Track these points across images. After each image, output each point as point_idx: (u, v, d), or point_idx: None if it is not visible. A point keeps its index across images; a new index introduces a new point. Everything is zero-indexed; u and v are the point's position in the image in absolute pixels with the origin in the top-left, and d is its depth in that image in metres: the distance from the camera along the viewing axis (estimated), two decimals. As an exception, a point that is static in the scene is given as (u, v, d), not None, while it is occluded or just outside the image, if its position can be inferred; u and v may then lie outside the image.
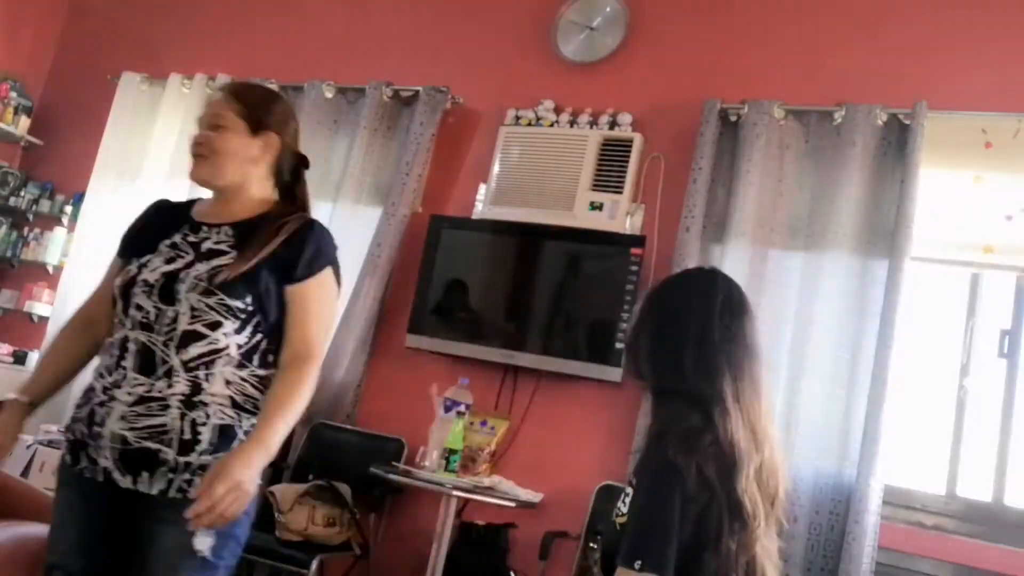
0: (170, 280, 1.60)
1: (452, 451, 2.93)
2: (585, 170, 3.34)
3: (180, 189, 3.49)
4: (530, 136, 3.49)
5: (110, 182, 4.20)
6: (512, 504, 2.89)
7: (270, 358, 1.65)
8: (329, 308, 1.74)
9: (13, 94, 4.53)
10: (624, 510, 1.48)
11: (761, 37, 3.33)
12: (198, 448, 1.54)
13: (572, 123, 3.46)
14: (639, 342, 1.60)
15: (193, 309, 1.57)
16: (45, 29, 4.81)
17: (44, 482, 3.00)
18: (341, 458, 3.34)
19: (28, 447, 3.40)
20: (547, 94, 3.54)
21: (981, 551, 2.73)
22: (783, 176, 3.09)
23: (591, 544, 2.92)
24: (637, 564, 1.36)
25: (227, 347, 1.59)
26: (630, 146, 3.32)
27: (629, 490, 1.49)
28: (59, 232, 4.41)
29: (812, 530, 2.80)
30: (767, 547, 1.51)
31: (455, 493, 2.83)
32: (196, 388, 1.56)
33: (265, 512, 2.92)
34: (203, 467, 1.53)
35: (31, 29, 4.75)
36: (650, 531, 1.40)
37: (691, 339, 1.54)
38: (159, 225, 1.72)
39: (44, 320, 4.27)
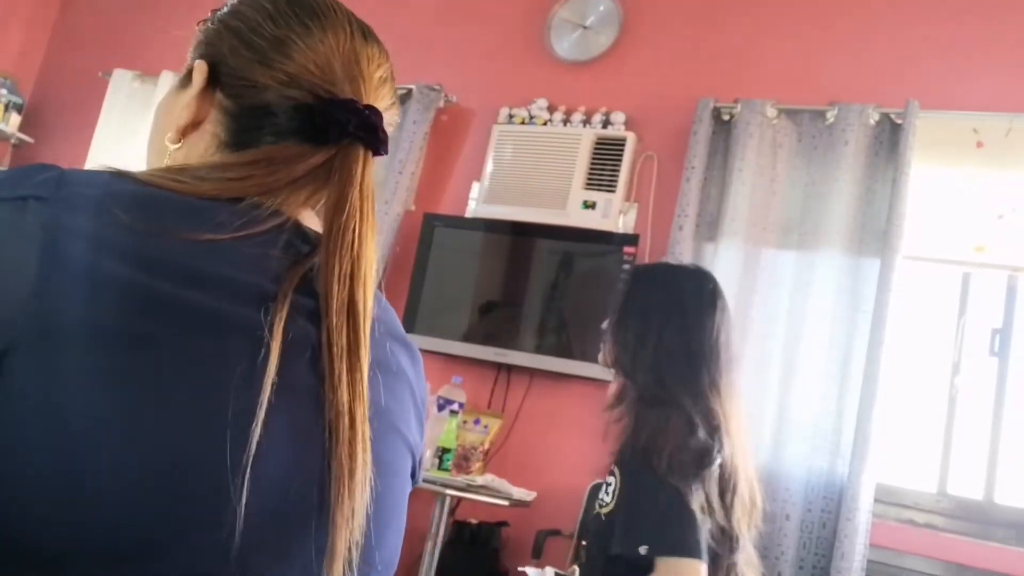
0: None
1: (445, 450, 2.94)
2: (578, 169, 3.34)
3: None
4: (523, 135, 3.49)
5: (102, 180, 4.18)
6: (506, 503, 2.89)
7: None
8: None
9: (4, 91, 4.50)
10: (608, 500, 1.48)
11: (754, 37, 3.34)
12: None
13: (565, 122, 3.46)
14: (627, 334, 1.59)
15: None
16: (36, 26, 4.78)
17: None
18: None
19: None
20: (540, 93, 3.54)
21: (972, 549, 2.74)
22: (776, 175, 3.10)
23: (583, 542, 2.92)
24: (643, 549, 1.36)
25: None
26: (623, 145, 3.32)
27: (611, 479, 1.48)
28: (50, 230, 4.38)
29: (804, 528, 2.81)
30: (747, 554, 1.52)
31: (449, 492, 2.83)
32: None
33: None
34: None
35: (22, 26, 4.73)
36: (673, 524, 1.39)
37: (687, 349, 1.53)
38: None
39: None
